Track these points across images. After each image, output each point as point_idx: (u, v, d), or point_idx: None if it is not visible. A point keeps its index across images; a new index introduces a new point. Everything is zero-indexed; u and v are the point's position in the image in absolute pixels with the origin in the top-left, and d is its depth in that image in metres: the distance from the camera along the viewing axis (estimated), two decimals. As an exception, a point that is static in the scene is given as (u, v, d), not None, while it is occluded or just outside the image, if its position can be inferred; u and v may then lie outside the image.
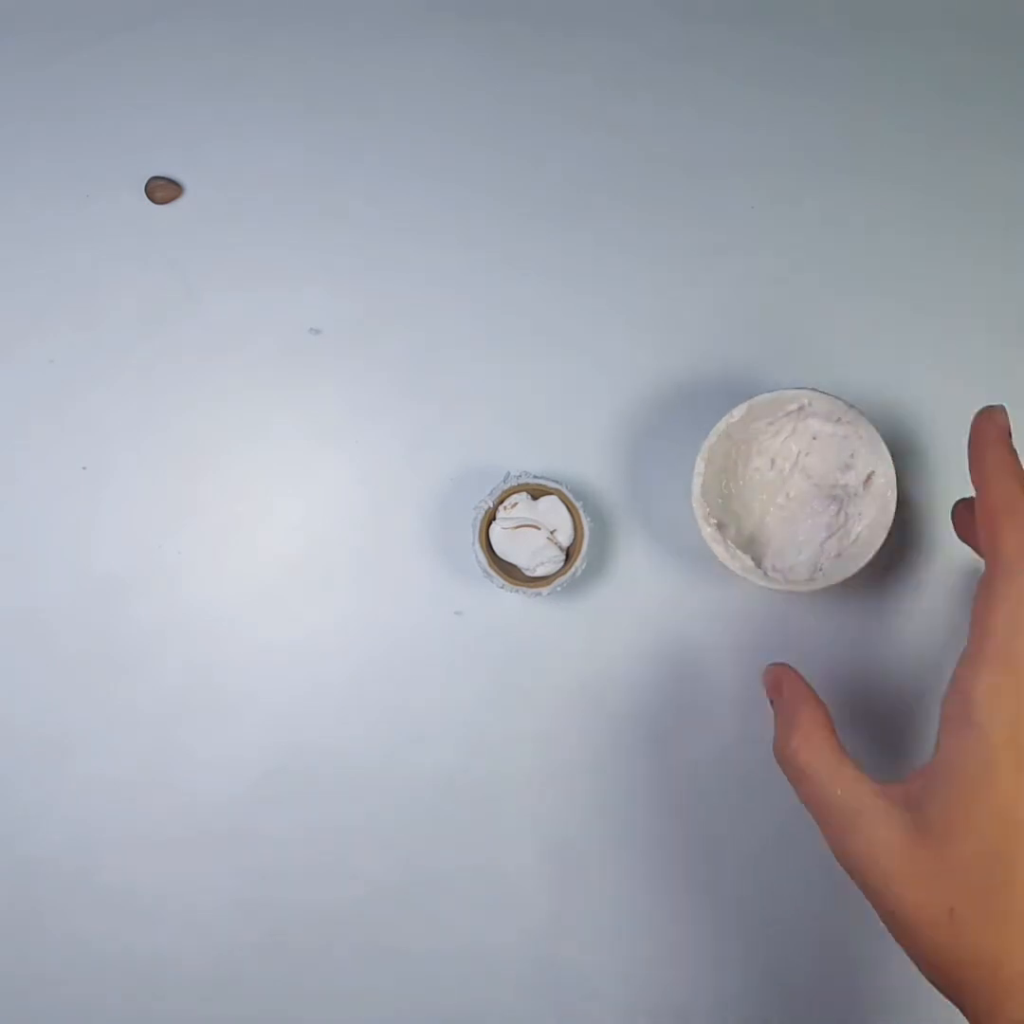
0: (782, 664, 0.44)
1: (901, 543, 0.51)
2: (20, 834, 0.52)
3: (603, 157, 0.54)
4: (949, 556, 0.51)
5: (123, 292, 0.54)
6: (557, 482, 0.48)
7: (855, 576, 0.46)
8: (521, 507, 0.48)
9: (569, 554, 0.49)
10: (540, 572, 0.48)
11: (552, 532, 0.48)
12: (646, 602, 0.51)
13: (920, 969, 0.37)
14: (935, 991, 0.37)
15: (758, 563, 0.48)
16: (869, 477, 0.47)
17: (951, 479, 0.52)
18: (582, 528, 0.48)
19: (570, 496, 0.48)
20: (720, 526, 0.47)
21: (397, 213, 0.54)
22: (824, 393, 0.47)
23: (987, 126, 0.54)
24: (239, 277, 0.54)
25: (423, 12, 0.55)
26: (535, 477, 0.48)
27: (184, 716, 0.52)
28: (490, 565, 0.47)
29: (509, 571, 0.49)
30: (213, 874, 0.51)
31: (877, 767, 0.40)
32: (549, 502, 0.48)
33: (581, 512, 0.48)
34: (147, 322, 0.53)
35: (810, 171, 0.54)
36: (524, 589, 0.47)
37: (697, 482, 0.47)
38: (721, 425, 0.47)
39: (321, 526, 0.53)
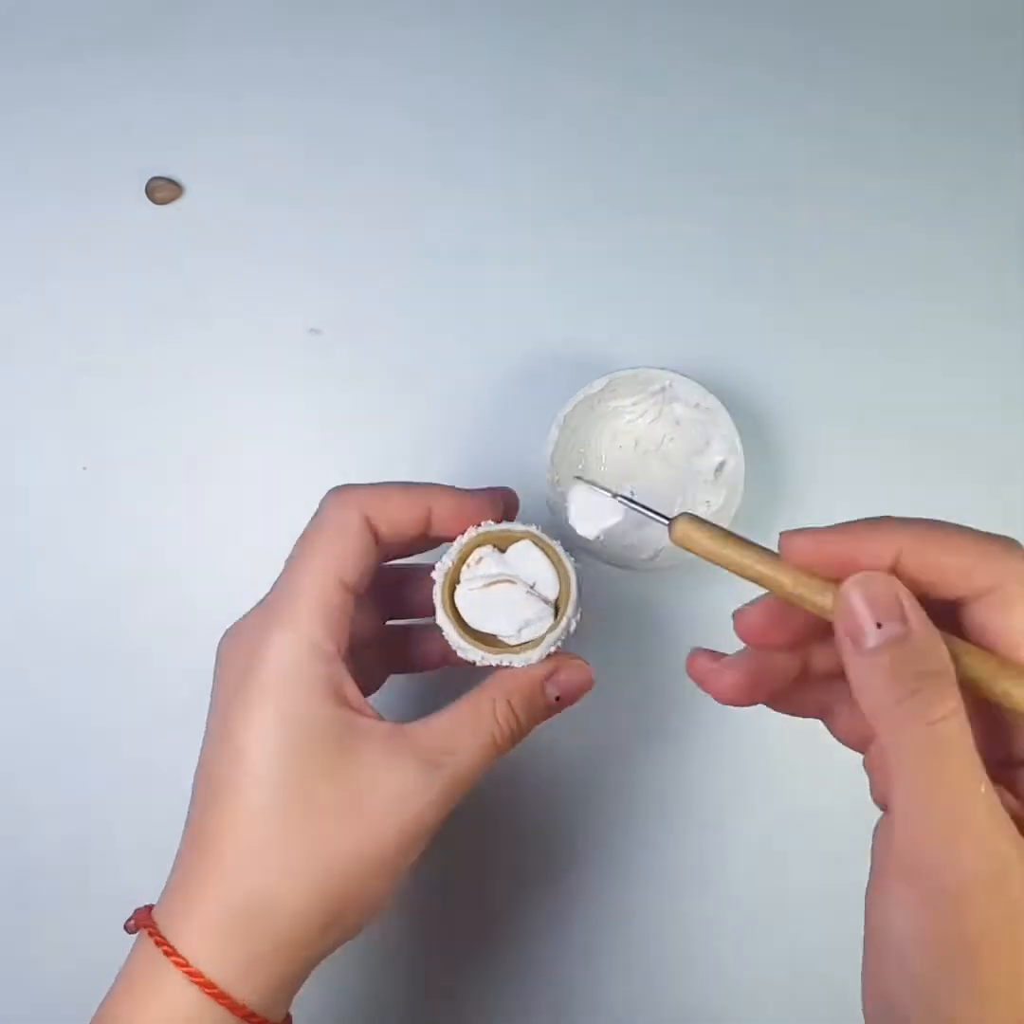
0: (891, 577, 0.30)
1: (744, 530, 0.51)
2: (20, 836, 0.52)
3: (611, 156, 0.54)
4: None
5: (122, 292, 0.54)
6: (525, 525, 0.39)
7: (696, 561, 0.47)
8: (487, 562, 0.38)
9: (557, 606, 0.39)
10: (527, 635, 0.38)
11: (531, 585, 0.38)
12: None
13: None
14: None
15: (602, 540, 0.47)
16: (720, 466, 0.49)
17: (801, 471, 0.52)
18: (567, 572, 0.38)
19: (543, 537, 0.38)
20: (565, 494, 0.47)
21: (397, 213, 0.54)
22: (685, 376, 0.48)
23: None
24: (239, 277, 0.54)
25: (423, 12, 0.55)
26: (497, 524, 0.38)
27: (184, 716, 0.52)
28: (465, 638, 0.37)
29: (488, 641, 0.39)
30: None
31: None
32: (519, 550, 0.39)
33: (561, 553, 0.38)
34: (147, 322, 0.53)
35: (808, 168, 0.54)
36: (511, 657, 0.37)
37: (549, 449, 0.47)
38: (579, 395, 0.48)
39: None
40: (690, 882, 0.51)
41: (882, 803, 0.33)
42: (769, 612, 0.33)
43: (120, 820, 0.52)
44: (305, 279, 0.54)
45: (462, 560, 0.38)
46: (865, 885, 0.33)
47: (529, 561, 0.39)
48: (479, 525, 0.38)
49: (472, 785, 0.35)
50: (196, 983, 0.32)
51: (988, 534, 0.29)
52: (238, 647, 0.35)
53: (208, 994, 0.32)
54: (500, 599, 0.38)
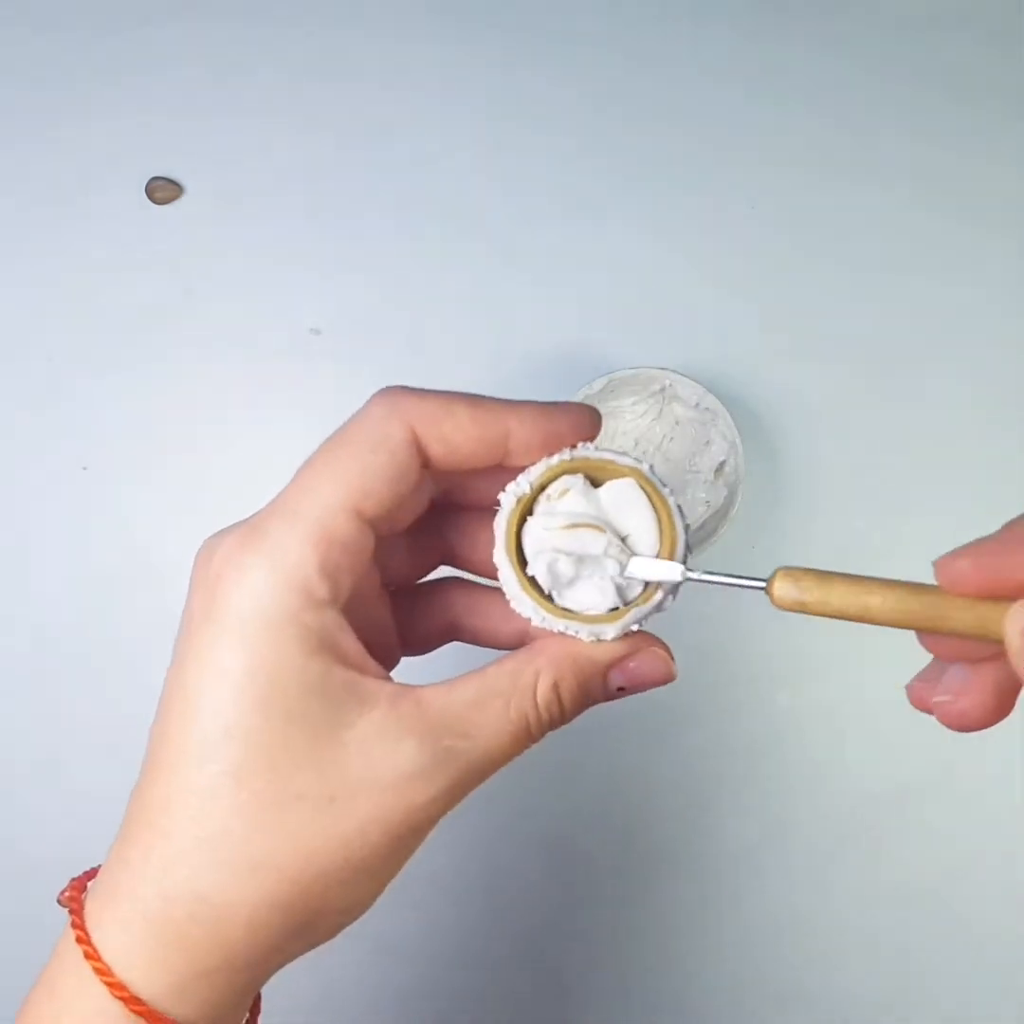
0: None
1: (744, 530, 0.51)
2: (19, 837, 0.52)
3: (618, 155, 0.54)
4: (789, 545, 0.52)
5: (123, 291, 0.54)
6: (635, 459, 0.30)
7: (697, 559, 0.47)
8: (573, 496, 0.29)
9: None
10: (600, 604, 0.29)
11: (623, 539, 0.29)
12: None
13: None
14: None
15: None
16: (720, 465, 0.49)
17: (801, 471, 0.52)
18: (676, 531, 0.29)
19: (655, 479, 0.30)
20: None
21: (397, 213, 0.54)
22: (685, 376, 0.48)
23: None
24: (239, 277, 0.54)
25: (422, 13, 0.55)
26: (598, 450, 0.30)
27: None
28: (524, 586, 0.29)
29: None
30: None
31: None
32: (618, 490, 0.30)
33: (672, 506, 0.29)
34: (147, 322, 0.53)
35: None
36: (579, 625, 0.29)
37: None
38: (579, 396, 0.48)
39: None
40: (690, 881, 0.51)
41: None
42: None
43: (119, 820, 0.52)
44: (305, 279, 0.54)
45: (542, 487, 0.30)
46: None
47: (628, 507, 0.30)
48: (574, 447, 0.30)
49: (488, 777, 0.28)
50: (119, 998, 0.26)
51: None
52: (211, 565, 0.27)
53: (135, 1011, 0.26)
54: (580, 547, 0.29)
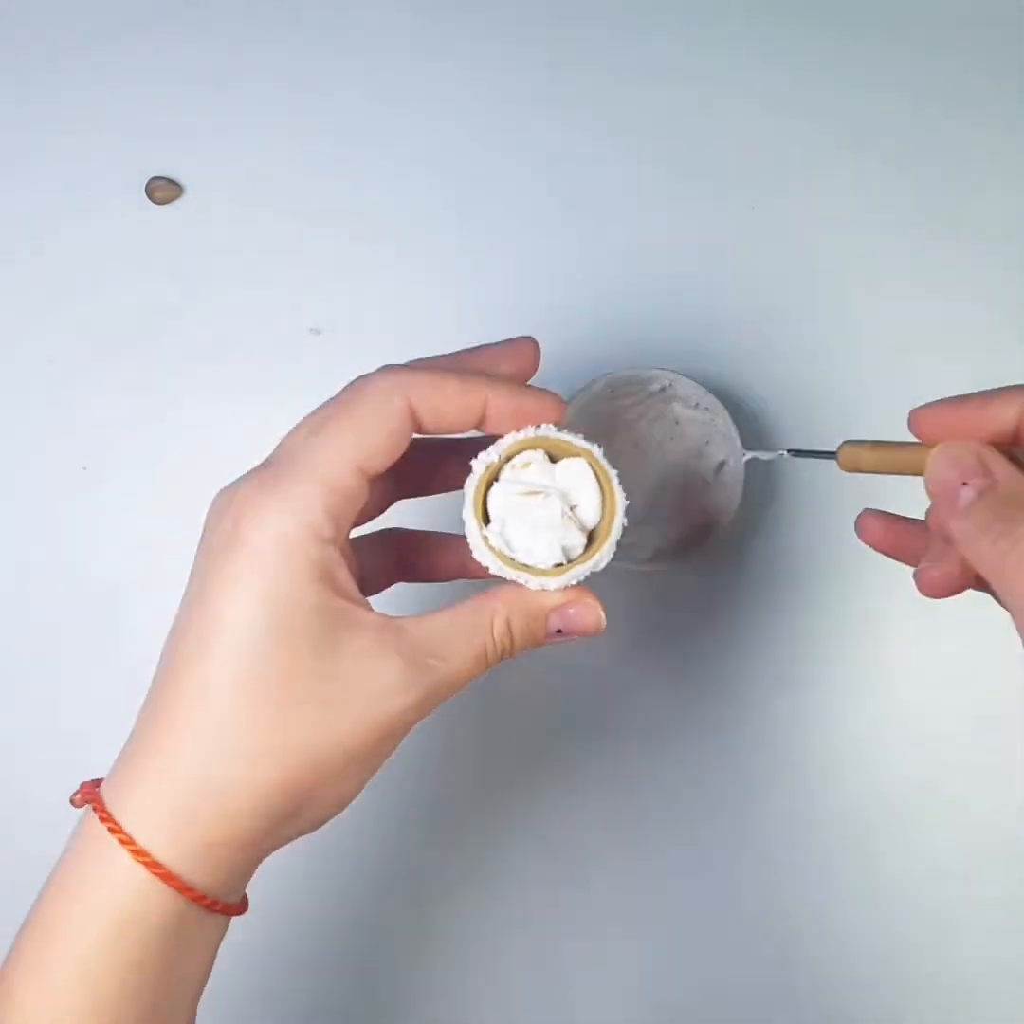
0: (973, 444, 0.34)
1: (744, 528, 0.52)
2: (19, 836, 0.52)
3: (616, 156, 0.54)
4: (791, 542, 0.52)
5: (123, 292, 0.54)
6: (588, 442, 0.36)
7: (696, 559, 0.47)
8: (535, 468, 0.36)
9: (592, 537, 0.37)
10: (550, 558, 0.35)
11: (573, 508, 0.36)
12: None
13: None
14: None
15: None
16: (720, 466, 0.48)
17: (799, 471, 0.52)
18: (615, 505, 0.36)
19: (603, 461, 0.36)
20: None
21: (398, 213, 0.54)
22: (684, 376, 0.48)
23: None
24: (239, 277, 0.54)
25: (423, 13, 0.55)
26: (558, 431, 0.36)
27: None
28: (486, 541, 0.35)
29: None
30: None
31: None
32: (571, 467, 0.36)
33: (615, 485, 0.36)
34: (147, 322, 0.53)
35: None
36: (528, 576, 0.35)
37: None
38: (578, 398, 0.48)
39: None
40: (690, 880, 0.51)
41: None
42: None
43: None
44: (305, 279, 0.54)
45: (508, 458, 0.36)
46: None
47: (578, 481, 0.36)
48: (538, 426, 0.36)
49: (456, 693, 0.34)
50: (142, 863, 0.30)
51: None
52: (228, 510, 0.32)
53: (155, 874, 0.30)
54: (539, 514, 0.35)
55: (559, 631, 0.36)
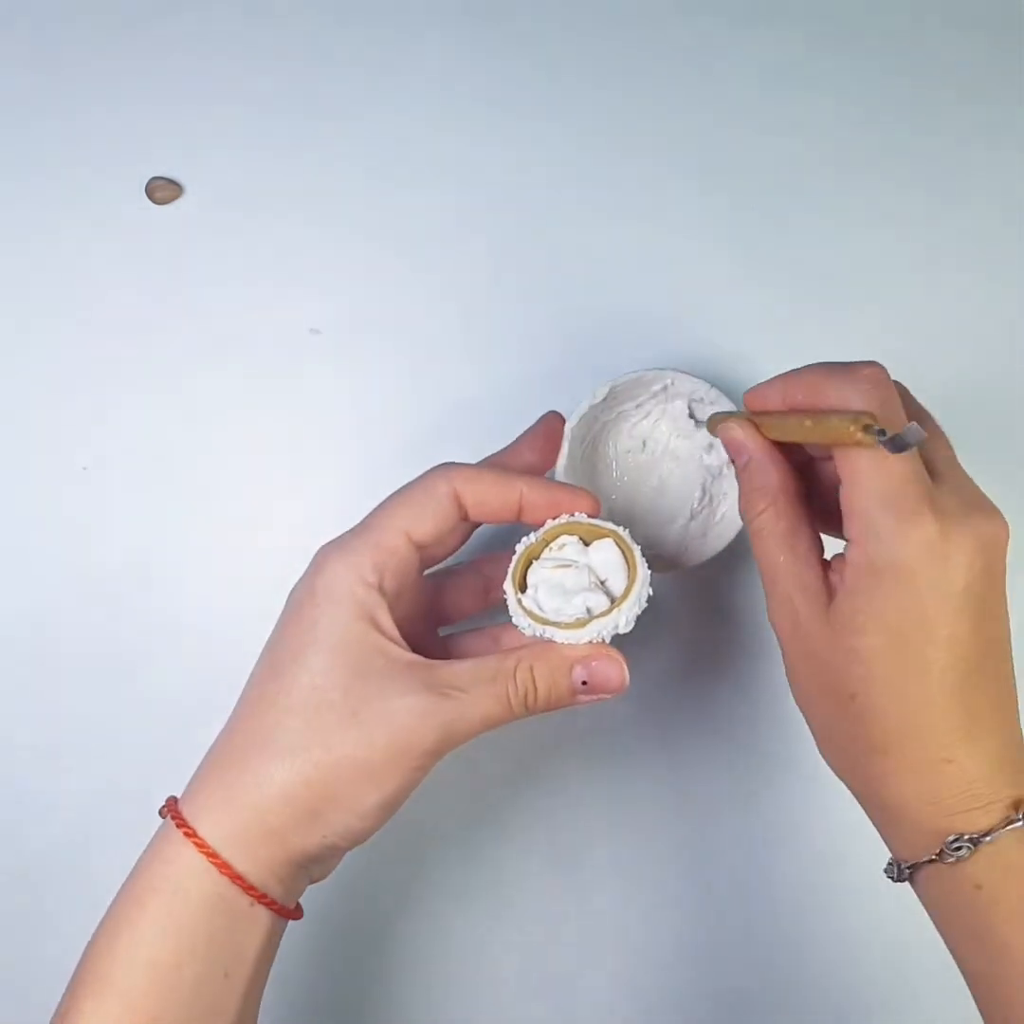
0: (744, 421, 0.41)
1: None
2: (19, 835, 0.52)
3: (613, 162, 0.54)
4: None
5: (123, 292, 0.54)
6: (614, 525, 0.41)
7: (721, 552, 0.47)
8: (570, 549, 0.41)
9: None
10: (574, 617, 0.39)
11: (602, 581, 0.40)
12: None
13: (820, 749, 0.40)
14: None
15: None
16: (730, 458, 0.48)
17: None
18: (637, 575, 0.40)
19: (627, 539, 0.41)
20: None
21: (398, 213, 0.54)
22: (685, 373, 0.48)
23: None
24: (239, 277, 0.54)
25: (421, 14, 0.55)
26: (589, 519, 0.41)
27: (184, 716, 0.52)
28: (520, 606, 0.40)
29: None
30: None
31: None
32: (601, 547, 0.41)
33: (638, 558, 0.40)
34: (147, 322, 0.53)
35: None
36: (555, 630, 0.39)
37: (561, 464, 0.47)
38: (583, 406, 0.47)
39: (321, 526, 0.53)
40: (689, 878, 0.51)
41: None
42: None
43: (120, 820, 0.52)
44: (305, 279, 0.54)
45: (546, 543, 0.41)
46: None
47: (607, 558, 0.40)
48: (573, 515, 0.41)
49: (474, 734, 0.37)
50: (193, 843, 0.36)
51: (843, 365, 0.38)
52: (317, 559, 0.40)
53: (200, 852, 0.36)
54: (568, 582, 0.40)
55: (585, 684, 0.38)
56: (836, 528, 0.39)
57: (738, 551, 0.50)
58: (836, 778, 0.40)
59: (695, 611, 0.53)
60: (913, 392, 0.41)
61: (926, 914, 0.39)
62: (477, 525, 0.43)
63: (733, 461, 0.42)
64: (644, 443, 0.50)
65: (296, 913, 0.40)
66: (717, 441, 0.49)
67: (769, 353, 0.53)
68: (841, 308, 0.53)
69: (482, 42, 0.55)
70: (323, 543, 0.40)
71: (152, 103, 0.54)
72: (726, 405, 0.47)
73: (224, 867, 0.36)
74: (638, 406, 0.49)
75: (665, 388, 0.48)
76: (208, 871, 0.36)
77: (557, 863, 0.51)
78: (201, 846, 0.36)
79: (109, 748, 0.52)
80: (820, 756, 0.40)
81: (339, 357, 0.53)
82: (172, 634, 0.52)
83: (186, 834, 0.36)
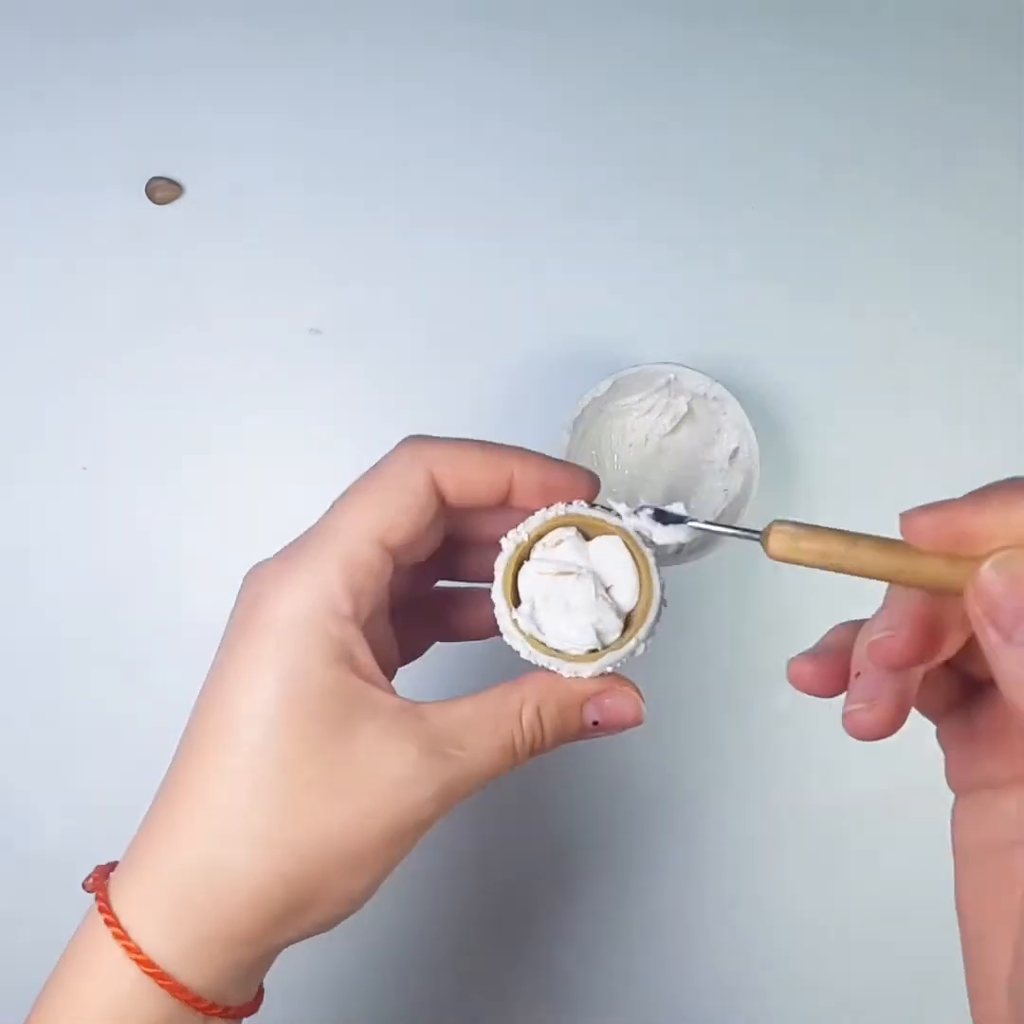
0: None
1: (764, 513, 0.51)
2: (19, 836, 0.52)
3: (615, 162, 0.54)
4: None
5: (123, 292, 0.54)
6: (618, 517, 0.33)
7: (719, 548, 0.47)
8: (567, 547, 0.33)
9: (628, 621, 0.33)
10: (585, 644, 0.32)
11: (607, 589, 0.33)
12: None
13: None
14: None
15: None
16: (734, 452, 0.48)
17: (812, 452, 0.52)
18: (652, 587, 0.33)
19: (637, 540, 0.33)
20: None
21: (397, 213, 0.54)
22: (690, 368, 0.48)
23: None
24: (239, 277, 0.54)
25: (422, 16, 0.55)
26: (593, 507, 0.34)
27: (184, 716, 0.52)
28: (516, 624, 0.32)
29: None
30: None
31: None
32: (605, 546, 0.33)
33: (652, 564, 0.33)
34: (147, 322, 0.53)
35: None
36: (561, 663, 0.32)
37: (561, 455, 0.47)
38: (585, 399, 0.47)
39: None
40: (690, 879, 0.51)
41: (960, 787, 0.31)
42: (819, 663, 0.29)
43: (119, 820, 0.52)
44: (305, 279, 0.54)
45: (539, 536, 0.33)
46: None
47: (613, 561, 0.33)
48: (569, 503, 0.33)
49: (478, 789, 0.31)
50: (135, 959, 0.28)
51: None
52: (251, 588, 0.31)
53: (147, 973, 0.28)
54: (572, 596, 0.32)
55: (596, 723, 0.33)
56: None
57: (738, 549, 0.50)
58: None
59: (695, 608, 0.53)
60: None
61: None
62: (455, 514, 0.34)
63: (977, 616, 0.25)
64: (647, 438, 0.50)
65: (255, 1004, 0.32)
66: (719, 436, 0.49)
67: (769, 353, 0.53)
68: (841, 308, 0.53)
69: (488, 41, 0.54)
70: (266, 558, 0.32)
71: (152, 103, 0.54)
72: (731, 402, 0.47)
73: (177, 990, 0.29)
74: (641, 400, 0.49)
75: (668, 383, 0.48)
76: (153, 992, 0.29)
77: (557, 863, 0.51)
78: (147, 966, 0.28)
79: (109, 747, 0.52)
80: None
81: (339, 357, 0.53)
82: (172, 634, 0.52)
83: (127, 949, 0.29)
